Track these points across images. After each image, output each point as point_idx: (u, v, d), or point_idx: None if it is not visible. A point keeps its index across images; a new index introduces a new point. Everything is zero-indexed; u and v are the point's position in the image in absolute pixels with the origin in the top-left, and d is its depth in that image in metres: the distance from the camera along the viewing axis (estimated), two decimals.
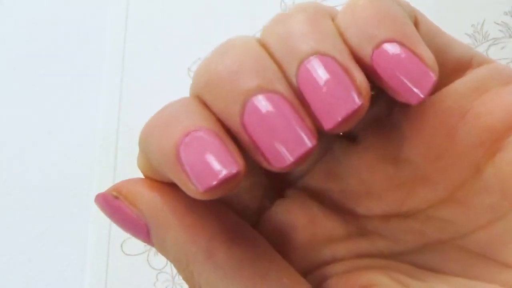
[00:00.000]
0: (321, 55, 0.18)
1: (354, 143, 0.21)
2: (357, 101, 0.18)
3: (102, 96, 0.39)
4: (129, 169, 0.38)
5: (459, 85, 0.20)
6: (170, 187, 0.20)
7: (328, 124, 0.18)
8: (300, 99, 0.18)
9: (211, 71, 0.19)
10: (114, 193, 0.20)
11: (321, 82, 0.18)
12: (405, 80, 0.18)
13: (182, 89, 0.39)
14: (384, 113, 0.21)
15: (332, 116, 0.18)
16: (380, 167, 0.21)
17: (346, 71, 0.18)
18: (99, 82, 0.40)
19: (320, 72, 0.18)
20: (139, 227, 0.20)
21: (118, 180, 0.38)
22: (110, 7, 0.40)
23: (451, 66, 0.20)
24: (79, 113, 0.39)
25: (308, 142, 0.18)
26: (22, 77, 0.40)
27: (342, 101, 0.18)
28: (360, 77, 0.18)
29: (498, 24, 0.37)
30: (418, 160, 0.20)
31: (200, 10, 0.40)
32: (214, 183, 0.17)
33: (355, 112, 0.18)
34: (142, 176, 0.21)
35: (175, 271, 0.37)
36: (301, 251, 0.21)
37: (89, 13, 0.41)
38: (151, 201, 0.20)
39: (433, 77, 0.18)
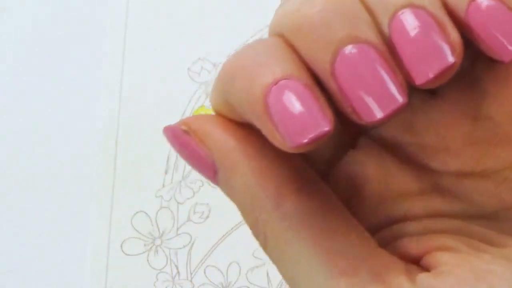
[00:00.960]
0: (415, 7, 0.18)
1: (433, 96, 0.21)
2: (450, 58, 0.17)
3: (102, 96, 0.39)
4: (129, 168, 0.38)
5: None
6: (242, 129, 0.20)
7: (419, 79, 0.18)
8: (391, 51, 0.18)
9: (302, 15, 0.18)
10: (184, 127, 0.20)
11: (414, 36, 0.18)
12: (499, 36, 0.18)
13: (182, 89, 0.39)
14: (467, 68, 0.20)
15: (424, 72, 0.18)
16: (459, 122, 0.20)
17: (441, 26, 0.18)
18: (99, 82, 0.39)
19: (413, 25, 0.18)
20: (207, 166, 0.20)
21: (118, 180, 0.38)
22: (110, 6, 0.40)
23: None
24: (79, 113, 0.39)
25: (399, 97, 0.17)
26: (22, 77, 0.40)
27: (435, 57, 0.17)
28: (454, 33, 0.18)
29: None
30: (500, 118, 0.20)
31: (200, 10, 0.40)
32: (305, 141, 0.17)
33: (447, 69, 0.18)
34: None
35: (174, 271, 0.37)
36: (372, 205, 0.21)
37: (89, 12, 0.41)
38: (222, 141, 0.19)
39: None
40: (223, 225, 0.37)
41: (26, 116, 0.39)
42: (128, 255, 0.37)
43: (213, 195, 0.38)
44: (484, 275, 0.18)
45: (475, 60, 0.20)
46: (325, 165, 0.21)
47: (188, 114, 0.39)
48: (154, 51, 0.40)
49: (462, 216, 0.21)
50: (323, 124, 0.17)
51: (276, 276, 0.36)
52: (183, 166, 0.38)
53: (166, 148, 0.38)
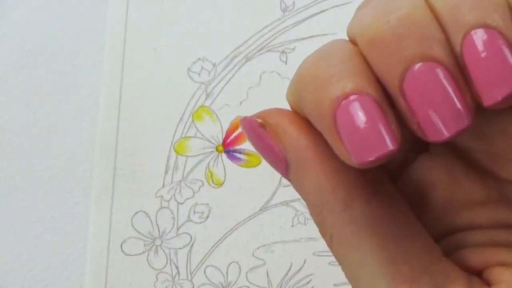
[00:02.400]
0: (488, 27, 0.18)
1: None
2: None
3: (102, 96, 0.39)
4: (129, 168, 0.38)
5: None
6: (316, 129, 0.20)
7: (487, 101, 0.18)
8: (462, 71, 0.18)
9: (376, 29, 0.18)
10: (260, 121, 0.20)
11: (485, 57, 0.17)
12: None
13: (182, 89, 0.39)
14: None
15: (493, 94, 0.17)
16: None
17: None
18: (99, 82, 0.39)
19: (485, 46, 0.17)
20: (279, 161, 0.20)
21: (118, 179, 0.38)
22: (110, 7, 0.40)
23: None
24: (79, 113, 0.39)
25: (466, 119, 0.18)
26: (22, 77, 0.40)
27: (505, 79, 0.17)
28: None
29: None
30: None
31: (200, 10, 0.40)
32: (370, 159, 0.17)
33: None
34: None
35: (175, 271, 0.37)
36: (437, 212, 0.21)
37: (89, 13, 0.41)
38: (296, 139, 0.20)
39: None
40: (223, 225, 0.37)
41: (26, 116, 0.39)
42: (128, 255, 0.37)
43: (213, 195, 0.38)
44: None
45: None
46: (397, 167, 0.22)
47: (188, 114, 0.39)
48: (154, 51, 0.40)
49: None
50: (389, 144, 0.17)
51: (276, 276, 0.36)
52: (183, 166, 0.38)
53: (166, 148, 0.38)
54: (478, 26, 0.18)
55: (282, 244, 0.36)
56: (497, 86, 0.17)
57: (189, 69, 0.39)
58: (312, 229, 0.34)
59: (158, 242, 0.37)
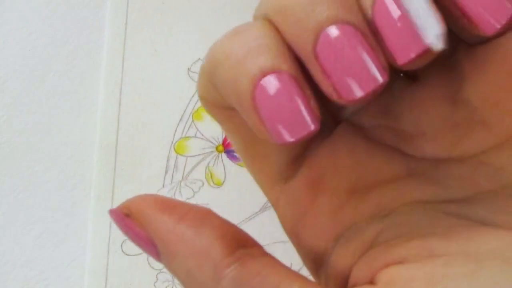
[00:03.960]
0: None
1: (413, 81, 0.21)
2: None
3: (101, 96, 0.39)
4: (129, 168, 0.38)
5: None
6: (180, 207, 0.20)
7: (401, 59, 0.18)
8: (374, 32, 0.18)
9: None
10: (125, 211, 0.20)
11: (397, 18, 0.18)
12: (481, 10, 0.18)
13: (182, 89, 0.39)
14: (448, 52, 0.20)
15: (406, 52, 0.18)
16: (437, 107, 0.20)
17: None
18: (99, 82, 0.39)
19: (396, 6, 0.18)
20: (150, 248, 0.20)
21: (118, 180, 0.38)
22: (110, 7, 0.40)
23: None
24: (78, 113, 0.39)
25: (379, 77, 0.18)
26: (22, 77, 0.40)
27: (417, 37, 0.18)
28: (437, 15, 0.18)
29: None
30: (477, 102, 0.20)
31: (200, 10, 0.40)
32: (292, 140, 0.18)
33: (429, 51, 0.18)
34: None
35: None
36: (342, 198, 0.21)
37: (88, 12, 0.41)
38: (160, 224, 0.20)
39: (510, 9, 0.18)
40: None
41: (26, 116, 0.39)
42: (128, 255, 0.37)
43: (213, 195, 0.38)
44: (439, 281, 0.18)
45: (456, 46, 0.20)
46: (301, 149, 0.22)
47: (188, 114, 0.39)
48: (154, 51, 0.40)
49: (436, 201, 0.20)
50: (311, 124, 0.18)
51: None
52: (183, 166, 0.38)
53: (166, 148, 0.38)
54: None
55: (282, 244, 0.36)
56: (410, 45, 0.18)
57: (189, 69, 0.39)
58: None
59: None
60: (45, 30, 0.40)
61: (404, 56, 0.18)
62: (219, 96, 0.20)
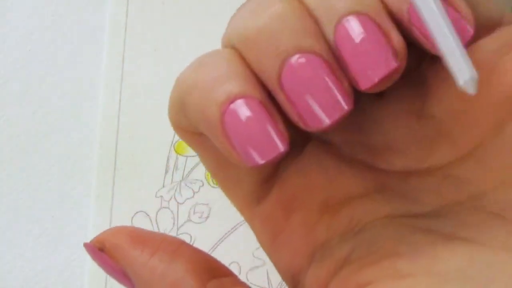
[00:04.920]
0: (359, 14, 0.18)
1: (379, 96, 0.21)
2: (394, 62, 0.18)
3: (102, 96, 0.39)
4: (129, 168, 0.38)
5: (488, 41, 0.20)
6: (153, 240, 0.20)
7: (364, 84, 0.18)
8: (337, 58, 0.18)
9: (250, 27, 0.19)
10: (99, 245, 0.21)
11: (359, 42, 0.18)
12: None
13: None
14: (413, 67, 0.21)
15: (369, 77, 0.18)
16: (404, 120, 0.21)
17: (384, 31, 0.18)
18: (98, 82, 0.39)
19: (358, 32, 0.18)
20: (125, 280, 0.21)
21: (118, 181, 0.38)
22: (110, 7, 0.40)
23: (482, 23, 0.20)
24: (79, 113, 0.39)
25: (344, 105, 0.18)
26: (22, 77, 0.40)
27: (379, 62, 0.18)
28: (397, 37, 0.18)
29: None
30: (442, 115, 0.20)
31: (200, 11, 0.40)
32: (261, 162, 0.18)
33: (392, 73, 0.18)
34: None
35: None
36: (314, 217, 0.21)
37: (89, 13, 0.41)
38: (134, 259, 0.20)
39: (471, 31, 0.18)
40: (223, 225, 0.37)
41: (26, 116, 0.39)
42: None
43: (213, 195, 0.38)
44: None
45: (420, 60, 0.21)
46: (272, 170, 0.22)
47: None
48: (154, 52, 0.40)
49: (404, 216, 0.21)
50: (280, 146, 0.18)
51: (276, 276, 0.36)
52: (183, 166, 0.38)
53: (166, 148, 0.38)
54: (349, 14, 0.18)
55: None
56: (372, 69, 0.18)
57: None
58: None
59: None
60: (45, 30, 0.40)
61: (367, 81, 0.18)
62: (189, 122, 0.20)
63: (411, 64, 0.20)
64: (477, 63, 0.19)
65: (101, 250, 0.20)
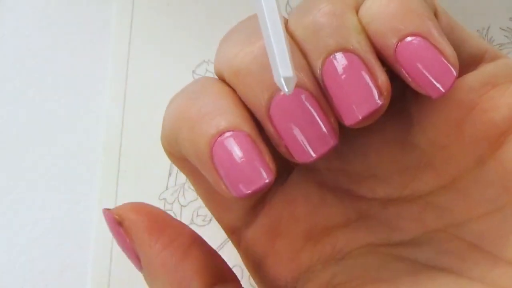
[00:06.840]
0: (346, 50, 0.19)
1: None
2: (378, 101, 0.18)
3: (106, 97, 0.39)
4: (132, 171, 0.38)
5: (470, 79, 0.20)
6: (170, 231, 0.21)
7: (348, 121, 0.19)
8: (324, 93, 0.19)
9: (240, 61, 0.19)
10: (118, 218, 0.21)
11: (344, 79, 0.19)
12: (427, 74, 0.19)
13: None
14: (397, 96, 0.21)
15: (353, 114, 0.19)
16: (387, 149, 0.21)
17: (369, 69, 0.19)
18: (103, 84, 0.39)
19: (344, 69, 0.18)
20: (135, 259, 0.21)
21: (121, 181, 0.38)
22: (115, 8, 0.41)
23: (465, 59, 0.21)
24: (82, 115, 0.39)
25: (331, 140, 0.19)
26: (24, 77, 0.40)
27: (363, 100, 0.18)
28: (382, 76, 0.19)
29: (503, 30, 0.37)
30: (425, 146, 0.21)
31: (205, 13, 0.40)
32: (248, 192, 0.18)
33: (375, 111, 0.19)
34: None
35: None
36: (298, 246, 0.22)
37: (93, 14, 0.41)
38: (148, 246, 0.21)
39: (454, 74, 0.19)
40: None
41: (27, 116, 0.39)
42: None
43: None
44: None
45: (404, 90, 0.21)
46: (259, 198, 0.22)
47: None
48: (159, 54, 0.40)
49: (385, 244, 0.21)
50: (265, 176, 0.18)
51: None
52: None
53: None
54: (336, 50, 0.19)
55: None
56: (357, 107, 0.19)
57: (194, 71, 0.39)
58: None
59: None
60: (49, 31, 0.40)
61: (351, 118, 0.19)
62: (181, 152, 0.21)
63: (395, 94, 0.21)
64: (459, 102, 0.20)
65: (119, 224, 0.21)
